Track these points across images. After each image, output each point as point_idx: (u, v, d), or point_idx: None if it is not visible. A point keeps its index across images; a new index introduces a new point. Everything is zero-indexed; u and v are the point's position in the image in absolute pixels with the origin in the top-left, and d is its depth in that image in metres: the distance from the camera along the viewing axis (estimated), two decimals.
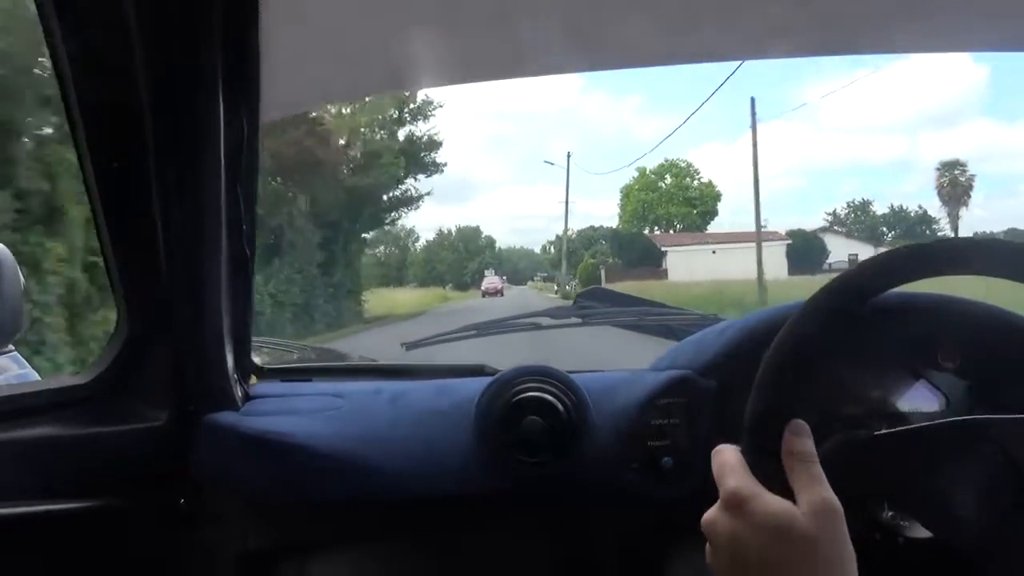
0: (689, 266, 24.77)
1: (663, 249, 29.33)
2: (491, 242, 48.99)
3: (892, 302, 0.78)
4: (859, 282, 0.66)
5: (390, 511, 0.90)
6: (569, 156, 26.06)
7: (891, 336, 0.81)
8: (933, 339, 0.80)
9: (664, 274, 26.54)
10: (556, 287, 27.10)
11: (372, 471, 0.84)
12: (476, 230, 49.19)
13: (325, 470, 0.85)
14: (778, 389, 0.57)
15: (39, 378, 1.49)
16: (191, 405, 0.88)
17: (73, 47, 0.67)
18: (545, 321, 1.09)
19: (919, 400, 0.80)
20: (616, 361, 1.03)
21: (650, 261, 28.51)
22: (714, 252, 26.63)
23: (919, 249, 0.65)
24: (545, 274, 42.21)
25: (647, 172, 39.18)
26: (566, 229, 28.20)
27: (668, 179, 38.69)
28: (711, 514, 0.52)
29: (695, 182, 38.84)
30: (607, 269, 28.18)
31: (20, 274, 1.08)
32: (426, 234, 48.76)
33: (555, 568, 1.00)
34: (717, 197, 38.64)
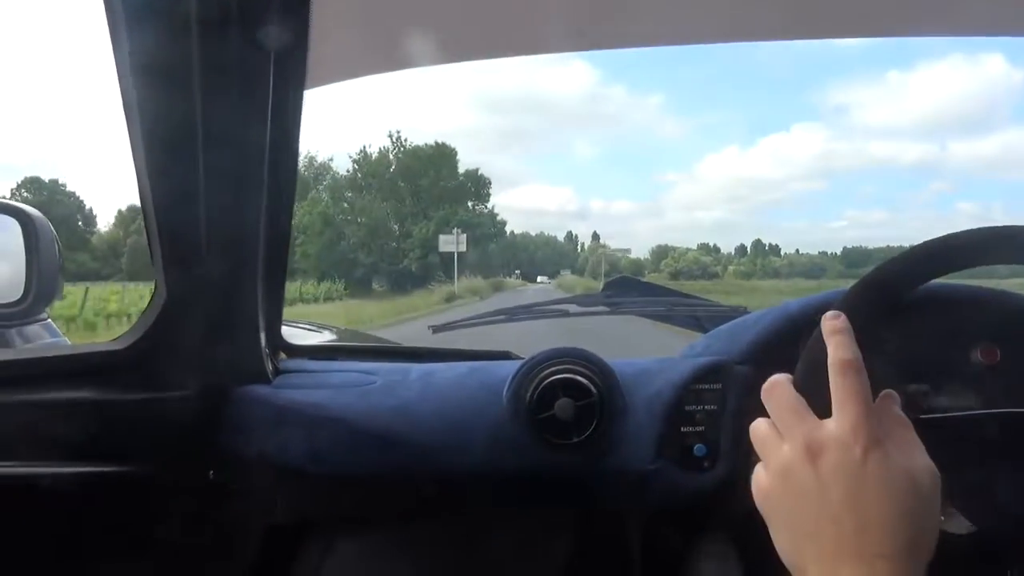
0: None
1: None
2: (479, 182, 23.99)
3: (928, 296, 0.77)
4: (897, 274, 0.65)
5: (419, 486, 0.90)
6: None
7: (927, 331, 0.79)
8: (970, 334, 0.79)
9: None
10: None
11: (402, 444, 0.84)
12: (445, 150, 24.11)
13: (355, 443, 0.85)
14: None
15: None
16: (223, 377, 0.89)
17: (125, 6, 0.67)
18: (573, 308, 1.09)
19: (955, 397, 0.79)
20: (644, 353, 1.02)
21: None
22: None
23: (952, 240, 0.64)
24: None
25: None
26: None
27: None
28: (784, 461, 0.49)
29: None
30: None
31: (58, 244, 1.09)
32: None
33: (579, 550, 1.00)
34: None
